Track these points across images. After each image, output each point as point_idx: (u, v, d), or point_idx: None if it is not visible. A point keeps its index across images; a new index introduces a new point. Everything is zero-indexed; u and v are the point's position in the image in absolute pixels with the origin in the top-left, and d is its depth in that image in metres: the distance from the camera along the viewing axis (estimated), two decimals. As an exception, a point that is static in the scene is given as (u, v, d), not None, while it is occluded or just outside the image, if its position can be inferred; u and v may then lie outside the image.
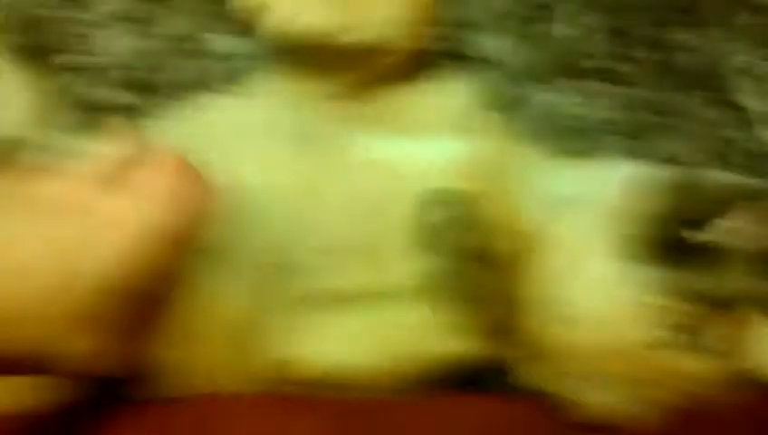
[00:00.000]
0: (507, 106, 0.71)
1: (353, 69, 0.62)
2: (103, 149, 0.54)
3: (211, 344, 0.59)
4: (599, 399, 0.57)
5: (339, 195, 0.60)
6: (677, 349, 0.56)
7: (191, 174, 0.53)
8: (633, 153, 0.71)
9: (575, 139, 0.71)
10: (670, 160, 0.71)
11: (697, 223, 0.54)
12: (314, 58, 0.61)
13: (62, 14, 0.71)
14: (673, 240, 0.55)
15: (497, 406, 0.59)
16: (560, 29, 0.71)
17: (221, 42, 0.72)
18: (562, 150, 0.71)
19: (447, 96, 0.67)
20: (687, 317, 0.55)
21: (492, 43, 0.72)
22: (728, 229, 0.54)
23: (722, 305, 0.55)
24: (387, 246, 0.59)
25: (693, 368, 0.56)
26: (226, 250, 0.58)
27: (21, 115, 0.68)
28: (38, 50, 0.70)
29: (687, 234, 0.54)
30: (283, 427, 0.54)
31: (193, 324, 0.58)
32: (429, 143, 0.63)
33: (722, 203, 0.55)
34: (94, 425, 0.54)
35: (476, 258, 0.59)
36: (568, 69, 0.72)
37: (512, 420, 0.57)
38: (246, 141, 0.62)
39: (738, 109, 0.71)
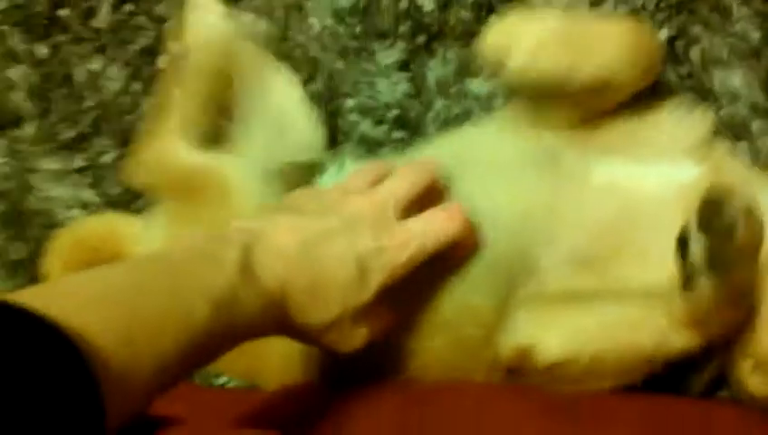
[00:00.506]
0: (754, 137, 0.74)
1: (588, 102, 0.68)
2: (401, 181, 0.66)
3: (459, 335, 0.68)
4: None
5: (577, 214, 0.67)
6: None
7: (464, 223, 0.65)
8: None
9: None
10: None
11: None
12: (552, 94, 0.69)
13: (354, 65, 0.86)
14: None
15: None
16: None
17: (476, 84, 0.82)
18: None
19: (682, 125, 0.71)
20: None
21: (737, 79, 0.75)
22: None
23: None
24: (616, 259, 0.64)
25: None
26: (479, 258, 0.67)
27: (309, 141, 0.83)
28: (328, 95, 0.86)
29: None
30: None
31: (445, 316, 0.68)
32: (663, 168, 0.68)
33: None
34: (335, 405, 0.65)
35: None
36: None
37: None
38: (497, 169, 0.71)
39: None
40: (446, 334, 0.68)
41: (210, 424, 0.58)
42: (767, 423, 0.61)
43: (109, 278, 0.50)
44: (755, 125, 0.74)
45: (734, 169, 0.69)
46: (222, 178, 0.74)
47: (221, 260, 0.55)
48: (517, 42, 0.66)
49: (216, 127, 0.78)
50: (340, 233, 0.61)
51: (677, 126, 0.70)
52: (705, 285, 0.57)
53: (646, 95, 0.70)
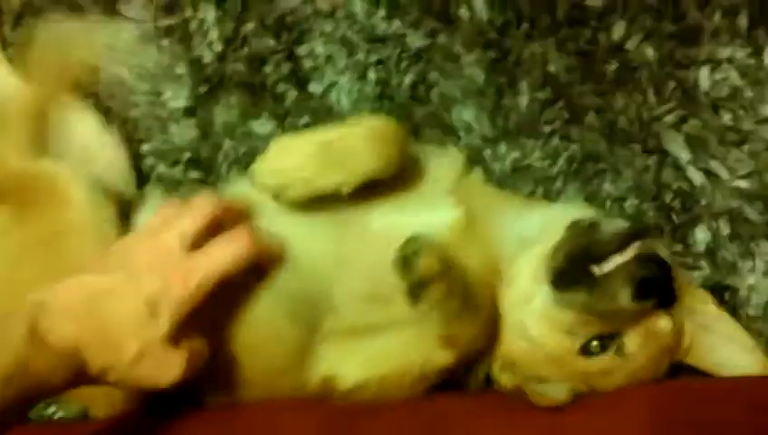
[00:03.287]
0: (487, 163, 0.90)
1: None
2: (187, 217, 0.74)
3: (270, 358, 0.79)
4: (555, 394, 0.75)
5: (361, 258, 0.78)
6: (597, 353, 0.74)
7: (251, 242, 0.73)
8: (586, 196, 0.88)
9: (541, 186, 0.89)
10: (616, 200, 0.87)
11: (600, 258, 0.72)
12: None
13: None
14: (584, 273, 0.72)
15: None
16: (524, 101, 0.88)
17: (258, 125, 0.92)
18: (529, 197, 0.89)
19: (440, 168, 0.84)
20: (604, 327, 0.73)
21: (469, 114, 0.90)
22: (620, 262, 0.71)
23: (626, 318, 0.73)
24: (389, 294, 0.75)
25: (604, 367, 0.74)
26: (284, 289, 0.77)
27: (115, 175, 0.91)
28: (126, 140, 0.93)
29: (594, 267, 0.72)
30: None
31: (255, 341, 0.78)
32: (429, 213, 0.80)
33: (615, 242, 0.72)
34: (168, 428, 0.76)
35: (455, 297, 0.73)
36: (532, 132, 0.89)
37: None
38: (290, 216, 0.80)
39: (671, 157, 0.86)
40: (257, 358, 0.78)
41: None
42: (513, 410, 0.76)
43: None
44: (487, 152, 0.89)
45: (483, 197, 0.83)
46: (54, 180, 0.80)
47: (8, 339, 0.63)
48: (287, 180, 0.76)
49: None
50: (125, 282, 0.69)
51: (437, 169, 0.84)
52: (420, 306, 0.71)
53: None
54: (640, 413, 0.70)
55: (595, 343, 0.74)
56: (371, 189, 0.79)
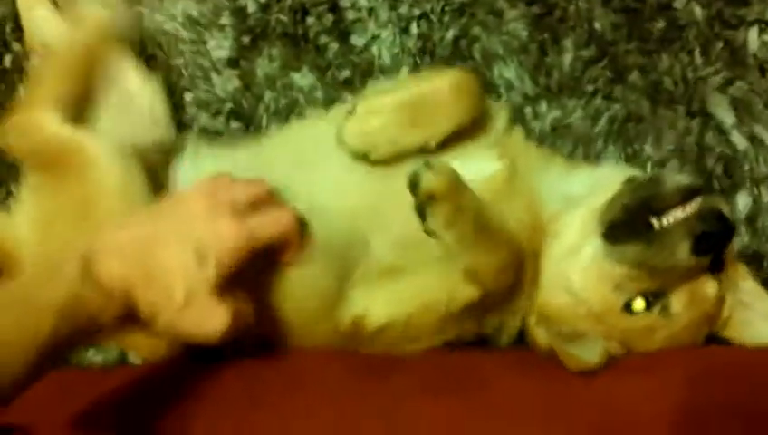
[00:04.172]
0: (527, 121, 0.89)
1: None
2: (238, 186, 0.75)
3: (302, 308, 0.81)
4: (589, 358, 0.74)
5: (397, 206, 0.76)
6: (641, 310, 0.73)
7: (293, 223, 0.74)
8: (626, 158, 0.87)
9: (581, 146, 0.88)
10: (657, 163, 0.86)
11: (661, 211, 0.71)
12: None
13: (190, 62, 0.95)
14: (643, 225, 0.71)
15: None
16: (567, 59, 0.87)
17: (299, 77, 0.92)
18: (571, 156, 0.88)
19: (483, 119, 0.82)
20: (652, 284, 0.72)
21: (511, 71, 0.89)
22: (679, 217, 0.70)
23: (677, 275, 0.72)
24: (422, 237, 0.74)
25: (647, 325, 0.73)
26: (320, 249, 0.78)
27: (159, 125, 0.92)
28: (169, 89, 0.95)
29: (654, 220, 0.71)
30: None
31: (295, 296, 0.79)
32: (473, 164, 0.79)
33: (678, 196, 0.71)
34: (204, 377, 0.77)
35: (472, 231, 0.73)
36: (574, 91, 0.88)
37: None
38: (329, 171, 0.81)
39: (715, 121, 0.84)
40: (294, 309, 0.79)
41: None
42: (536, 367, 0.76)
43: None
44: (527, 110, 0.89)
45: (526, 154, 0.83)
46: (83, 151, 0.81)
47: (61, 276, 0.65)
48: (375, 139, 0.77)
49: (80, 108, 0.85)
50: (176, 230, 0.70)
51: (479, 121, 0.82)
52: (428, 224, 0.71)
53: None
54: (674, 380, 0.69)
55: (640, 299, 0.73)
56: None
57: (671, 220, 0.71)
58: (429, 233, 0.71)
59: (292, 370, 0.78)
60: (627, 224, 0.73)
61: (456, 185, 0.71)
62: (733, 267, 0.78)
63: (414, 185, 0.71)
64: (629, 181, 0.75)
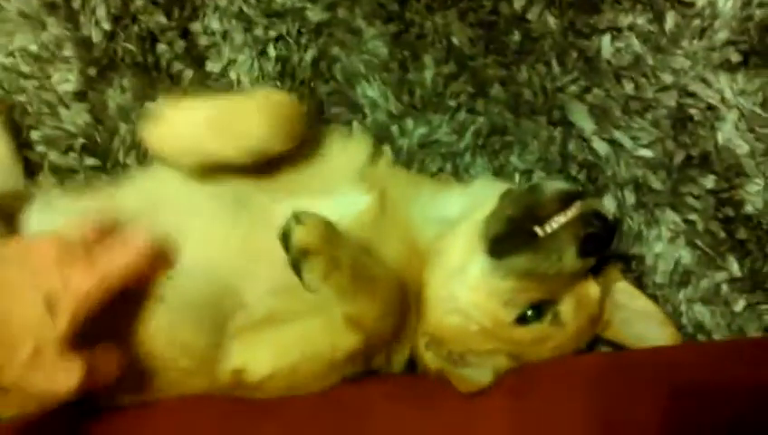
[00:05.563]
0: (395, 139, 0.87)
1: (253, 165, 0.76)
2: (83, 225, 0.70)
3: (173, 364, 0.75)
4: (478, 378, 0.73)
5: (269, 249, 0.72)
6: (532, 321, 0.73)
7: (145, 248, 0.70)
8: (494, 171, 0.87)
9: (449, 161, 0.87)
10: (524, 173, 0.86)
11: (543, 219, 0.71)
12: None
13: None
14: (528, 235, 0.71)
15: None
16: (429, 75, 0.86)
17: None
18: (438, 174, 0.87)
19: (346, 153, 0.81)
20: (541, 294, 0.73)
21: (374, 90, 0.87)
22: (562, 222, 0.71)
23: (564, 281, 0.73)
24: (297, 283, 0.71)
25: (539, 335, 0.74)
26: (184, 299, 0.74)
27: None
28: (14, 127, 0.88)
29: (538, 228, 0.71)
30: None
31: (160, 350, 0.75)
32: (337, 201, 0.77)
33: (557, 202, 0.71)
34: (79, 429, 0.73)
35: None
36: (438, 106, 0.87)
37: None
38: (191, 214, 0.76)
39: (576, 129, 0.85)
40: (164, 364, 0.75)
41: None
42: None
43: None
44: (394, 128, 0.87)
45: (394, 183, 0.81)
46: None
47: None
48: (180, 144, 0.74)
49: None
50: (22, 277, 0.65)
51: (342, 155, 0.81)
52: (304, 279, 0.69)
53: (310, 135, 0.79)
54: (575, 408, 0.69)
55: (531, 311, 0.73)
56: (278, 176, 0.77)
57: (555, 226, 0.71)
58: (307, 287, 0.69)
59: (166, 422, 0.74)
60: (511, 236, 0.72)
61: (329, 236, 0.69)
62: (607, 270, 0.79)
63: (286, 240, 0.68)
64: (507, 194, 0.75)
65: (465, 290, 0.74)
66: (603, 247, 0.73)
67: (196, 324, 0.74)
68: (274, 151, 0.75)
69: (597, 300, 0.76)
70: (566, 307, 0.74)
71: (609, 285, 0.79)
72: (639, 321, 0.80)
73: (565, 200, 0.71)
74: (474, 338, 0.75)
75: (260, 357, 0.74)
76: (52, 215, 0.79)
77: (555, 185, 0.74)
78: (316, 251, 0.68)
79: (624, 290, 0.80)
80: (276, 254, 0.70)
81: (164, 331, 0.74)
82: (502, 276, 0.73)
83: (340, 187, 0.79)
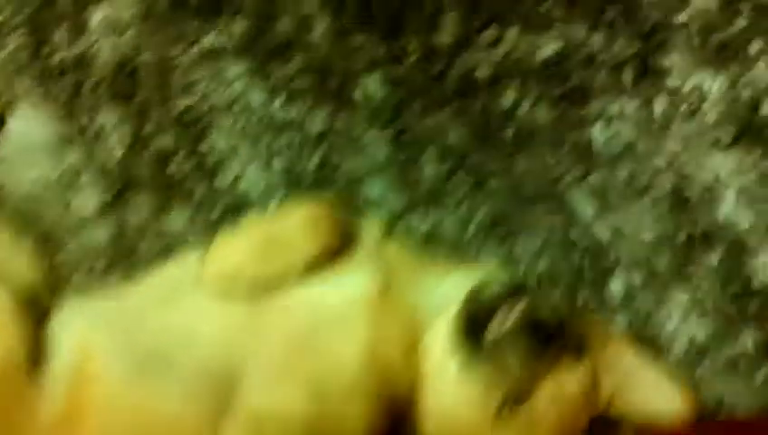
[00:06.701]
0: (396, 234, 0.90)
1: None
2: None
3: None
4: None
5: (273, 332, 0.77)
6: (513, 418, 0.73)
7: None
8: (501, 259, 0.88)
9: (455, 254, 0.89)
10: (532, 258, 0.88)
11: (486, 325, 0.72)
12: None
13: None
14: (477, 343, 0.72)
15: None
16: (428, 173, 0.89)
17: (170, 222, 0.92)
18: (444, 262, 0.89)
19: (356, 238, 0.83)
20: (514, 388, 0.73)
21: (377, 191, 0.90)
22: (504, 329, 0.72)
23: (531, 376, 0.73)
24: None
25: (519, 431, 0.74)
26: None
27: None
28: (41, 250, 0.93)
29: (485, 330, 0.72)
30: None
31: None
32: (344, 284, 0.79)
33: (498, 303, 0.72)
34: None
35: None
36: (440, 202, 0.89)
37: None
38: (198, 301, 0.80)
39: (576, 216, 0.87)
40: None
41: None
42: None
43: None
44: (399, 226, 0.90)
45: (401, 267, 0.82)
46: None
47: None
48: (234, 275, 0.78)
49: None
50: None
51: (352, 242, 0.83)
52: None
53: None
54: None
55: (504, 409, 0.73)
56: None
57: (497, 334, 0.72)
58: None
59: None
60: (464, 341, 0.74)
61: None
62: (607, 346, 0.79)
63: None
64: (467, 295, 0.76)
65: (447, 392, 0.75)
66: (549, 343, 0.73)
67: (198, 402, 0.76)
68: (319, 261, 0.79)
69: (580, 382, 0.75)
70: (543, 396, 0.73)
71: (611, 362, 0.78)
72: (649, 392, 0.78)
73: (507, 299, 0.73)
74: None
75: None
76: (72, 320, 0.82)
77: (493, 287, 0.75)
78: None
79: (630, 363, 0.79)
80: (284, 335, 0.74)
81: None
82: (471, 380, 0.73)
83: (345, 269, 0.80)
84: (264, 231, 0.81)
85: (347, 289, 0.79)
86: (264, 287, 0.78)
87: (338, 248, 0.81)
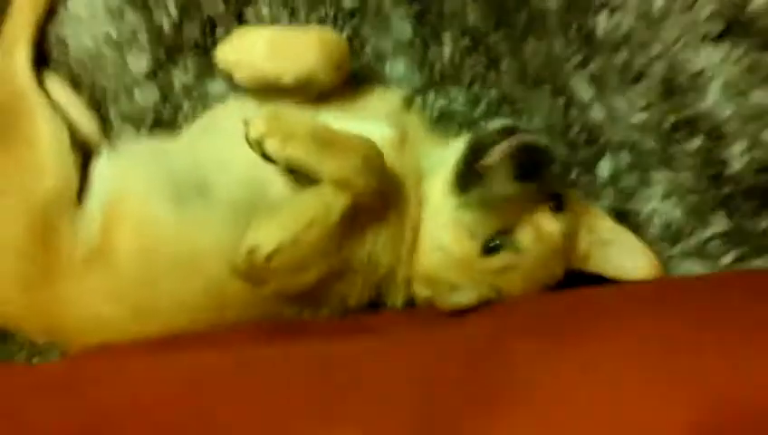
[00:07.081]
0: (415, 109, 1.00)
1: (298, 93, 0.90)
2: None
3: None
4: (459, 299, 0.84)
5: None
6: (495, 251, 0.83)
7: None
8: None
9: (463, 130, 0.99)
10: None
11: (485, 154, 0.81)
12: (271, 89, 0.90)
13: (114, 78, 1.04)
14: (475, 169, 0.82)
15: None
16: (447, 51, 0.98)
17: (214, 86, 1.02)
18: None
19: (383, 98, 0.94)
20: (498, 224, 0.83)
21: (401, 67, 1.00)
22: (501, 151, 0.81)
23: (515, 210, 0.83)
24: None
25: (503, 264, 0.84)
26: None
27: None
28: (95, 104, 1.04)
29: (482, 162, 0.81)
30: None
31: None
32: (368, 126, 0.88)
33: (496, 137, 0.82)
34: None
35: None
36: (455, 80, 0.99)
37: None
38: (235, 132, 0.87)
39: (576, 97, 0.96)
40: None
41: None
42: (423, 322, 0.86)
43: None
44: (417, 101, 0.99)
45: (416, 130, 0.93)
46: (31, 112, 0.91)
47: None
48: (239, 58, 0.89)
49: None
50: None
51: (380, 99, 0.95)
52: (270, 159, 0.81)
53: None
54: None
55: (493, 241, 0.83)
56: (320, 103, 0.90)
57: (495, 157, 0.81)
58: (285, 168, 0.82)
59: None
60: (464, 174, 0.84)
61: (275, 118, 0.81)
62: (587, 213, 0.89)
63: (248, 142, 0.82)
64: (467, 140, 0.86)
65: (441, 227, 0.86)
66: (537, 171, 0.81)
67: (236, 224, 0.85)
68: (320, 80, 0.88)
69: (558, 232, 0.84)
70: (522, 236, 0.84)
71: (589, 223, 0.88)
72: (622, 254, 0.88)
73: (503, 133, 0.82)
74: (453, 272, 0.86)
75: (267, 233, 0.83)
76: (118, 154, 0.94)
77: (495, 122, 0.86)
78: (267, 135, 0.80)
79: (609, 228, 0.90)
80: None
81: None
82: (464, 211, 0.84)
83: (368, 117, 0.91)
84: (281, 32, 0.90)
85: (372, 129, 0.87)
86: (261, 82, 0.88)
87: (340, 77, 0.89)
